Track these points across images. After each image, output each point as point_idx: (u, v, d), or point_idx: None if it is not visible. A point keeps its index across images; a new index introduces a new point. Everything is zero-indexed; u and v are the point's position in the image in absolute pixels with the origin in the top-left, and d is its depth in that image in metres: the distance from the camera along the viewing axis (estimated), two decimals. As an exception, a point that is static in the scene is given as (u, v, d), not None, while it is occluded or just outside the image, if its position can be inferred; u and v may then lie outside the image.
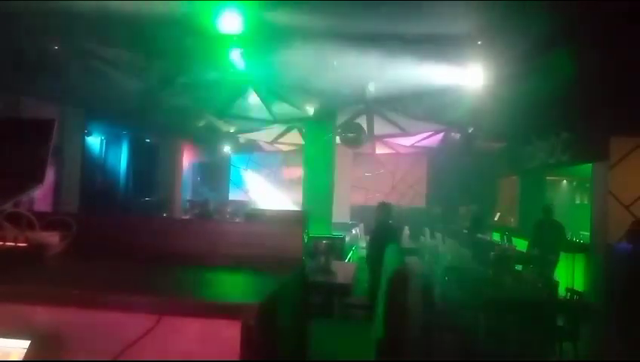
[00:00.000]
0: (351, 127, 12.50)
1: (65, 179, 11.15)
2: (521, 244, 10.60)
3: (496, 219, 15.28)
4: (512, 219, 14.78)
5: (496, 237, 13.06)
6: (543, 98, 8.92)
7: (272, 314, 1.59)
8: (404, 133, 14.36)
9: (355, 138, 12.35)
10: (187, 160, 17.85)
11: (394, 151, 17.87)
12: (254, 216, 6.72)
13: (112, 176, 14.42)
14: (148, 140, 15.54)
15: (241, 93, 11.13)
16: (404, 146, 16.89)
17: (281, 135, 15.65)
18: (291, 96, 11.14)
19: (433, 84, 9.64)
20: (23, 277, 1.65)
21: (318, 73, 9.63)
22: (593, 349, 6.48)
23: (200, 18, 7.31)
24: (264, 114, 12.41)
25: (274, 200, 18.49)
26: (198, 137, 16.11)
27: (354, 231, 13.21)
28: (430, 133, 14.84)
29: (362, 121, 12.92)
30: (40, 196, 9.07)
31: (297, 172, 16.36)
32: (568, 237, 11.09)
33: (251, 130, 15.20)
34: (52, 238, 1.98)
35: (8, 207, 1.97)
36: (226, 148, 17.47)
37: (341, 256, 8.58)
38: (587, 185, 13.53)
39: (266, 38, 8.31)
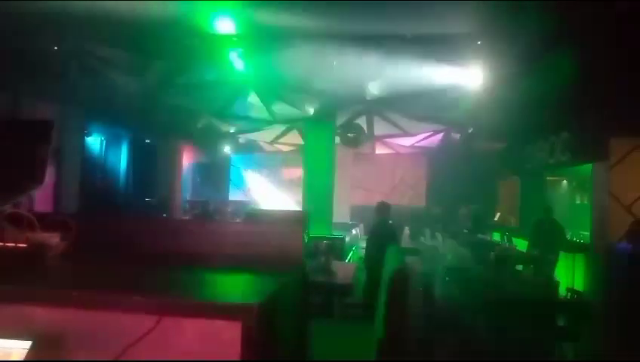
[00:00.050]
0: (351, 127, 12.51)
1: (65, 180, 11.14)
2: (521, 244, 10.60)
3: (496, 219, 15.28)
4: (513, 219, 14.77)
5: (496, 237, 13.06)
6: (543, 98, 8.92)
7: (273, 315, 1.59)
8: (404, 133, 14.36)
9: (355, 138, 12.37)
10: (187, 160, 17.85)
11: (394, 152, 17.86)
12: (254, 216, 6.73)
13: (112, 177, 14.41)
14: (148, 141, 15.54)
15: (241, 93, 11.14)
16: (404, 146, 16.88)
17: (281, 135, 15.64)
18: (291, 96, 11.14)
19: (433, 84, 9.64)
20: (24, 278, 1.65)
21: (318, 73, 9.63)
22: (593, 349, 6.48)
23: (198, 19, 7.32)
24: (264, 114, 12.41)
25: (275, 200, 18.49)
26: (197, 137, 16.11)
27: (354, 232, 13.21)
28: (430, 133, 14.84)
29: (362, 122, 12.92)
30: (40, 197, 9.07)
31: (297, 172, 16.36)
32: (568, 237, 11.10)
33: (251, 131, 15.21)
34: (52, 239, 1.98)
35: (8, 207, 1.98)
36: (226, 149, 17.47)
37: (341, 256, 8.58)
38: (587, 185, 13.53)
39: (265, 39, 8.32)
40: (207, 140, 16.53)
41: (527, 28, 6.90)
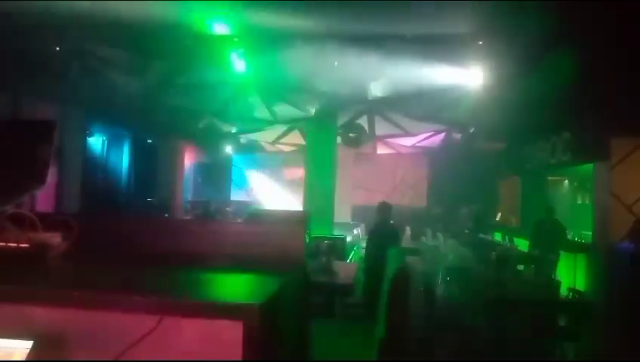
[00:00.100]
0: (352, 127, 12.51)
1: (66, 180, 11.16)
2: (522, 244, 10.59)
3: (497, 219, 15.27)
4: (514, 219, 14.76)
5: (497, 237, 13.05)
6: (543, 98, 8.91)
7: (274, 315, 1.59)
8: (406, 133, 14.36)
9: (357, 138, 12.37)
10: (188, 160, 17.86)
11: (395, 152, 17.86)
12: (256, 216, 6.73)
13: (114, 177, 14.43)
14: (149, 141, 15.56)
15: (242, 93, 11.14)
16: (405, 146, 16.88)
17: (283, 135, 15.65)
18: (292, 96, 11.15)
19: (434, 84, 9.65)
20: (26, 278, 1.65)
21: (319, 73, 9.64)
22: (594, 349, 6.47)
23: (199, 20, 7.32)
24: (265, 114, 12.42)
25: (277, 200, 18.47)
26: (199, 138, 16.13)
27: (355, 232, 13.21)
28: (431, 133, 14.84)
29: (363, 122, 12.92)
30: (42, 197, 9.08)
31: (298, 172, 16.36)
32: (570, 237, 11.09)
33: (252, 131, 15.21)
34: (54, 239, 1.98)
35: (10, 207, 1.98)
36: (227, 149, 17.48)
37: (342, 256, 8.58)
38: (588, 185, 13.52)
39: (266, 39, 8.33)
40: (208, 140, 16.54)
41: (527, 28, 6.90)
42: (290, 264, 2.11)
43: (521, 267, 8.97)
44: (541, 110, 9.76)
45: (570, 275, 9.21)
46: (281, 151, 18.41)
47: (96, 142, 13.64)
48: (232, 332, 1.37)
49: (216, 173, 19.02)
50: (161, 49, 8.67)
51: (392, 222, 7.29)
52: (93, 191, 12.54)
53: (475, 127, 12.68)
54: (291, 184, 18.43)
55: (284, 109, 12.04)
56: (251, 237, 2.24)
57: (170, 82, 10.20)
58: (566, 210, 14.78)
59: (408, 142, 16.05)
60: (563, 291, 6.66)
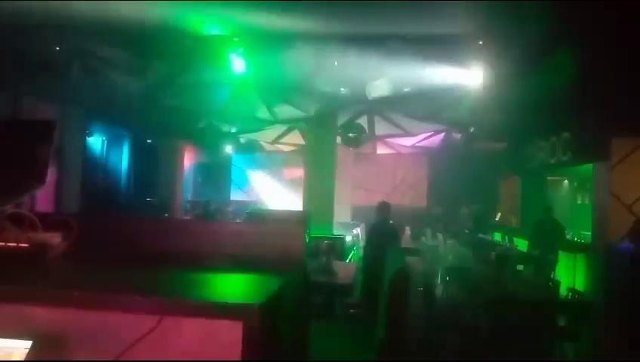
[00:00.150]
0: (352, 127, 12.51)
1: (66, 180, 11.16)
2: (522, 244, 10.60)
3: (497, 219, 15.28)
4: (514, 219, 14.77)
5: (497, 237, 13.05)
6: (543, 98, 8.91)
7: (274, 315, 1.59)
8: (405, 133, 14.37)
9: (356, 138, 12.37)
10: (188, 160, 17.86)
11: (395, 152, 17.86)
12: (255, 216, 6.73)
13: (114, 177, 14.44)
14: (149, 141, 15.56)
15: (242, 93, 11.14)
16: (405, 146, 16.88)
17: (282, 135, 15.65)
18: (292, 96, 11.15)
19: (434, 84, 9.64)
20: (25, 278, 1.65)
21: (319, 73, 9.64)
22: (594, 349, 6.48)
23: (199, 21, 7.32)
24: (265, 114, 12.42)
25: (279, 200, 18.47)
26: (198, 138, 16.13)
27: (355, 231, 13.21)
28: (431, 133, 14.84)
29: (363, 121, 12.92)
30: (41, 197, 9.08)
31: (298, 172, 16.36)
32: (569, 236, 11.09)
33: (252, 131, 15.21)
34: (54, 239, 1.98)
35: (10, 207, 1.98)
36: (227, 149, 17.48)
37: (342, 256, 8.58)
38: (588, 185, 13.52)
39: (267, 39, 8.32)
40: (208, 140, 16.53)
41: (527, 28, 6.90)
42: (289, 264, 2.11)
43: (520, 267, 8.97)
44: (541, 110, 9.77)
45: (570, 275, 9.21)
46: (281, 151, 18.42)
47: (96, 142, 13.64)
48: (231, 332, 1.37)
49: (216, 173, 19.02)
50: (161, 49, 8.66)
51: (391, 221, 7.29)
52: (92, 191, 12.54)
53: (475, 127, 12.69)
54: (291, 184, 18.43)
55: (283, 109, 12.05)
56: (251, 237, 2.24)
57: (169, 82, 10.20)
58: (566, 210, 14.79)
59: (408, 142, 16.05)
60: (562, 291, 6.66)
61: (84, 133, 12.42)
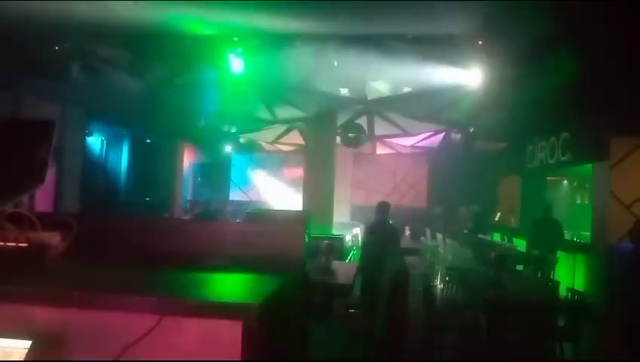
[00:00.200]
0: (352, 127, 12.51)
1: (66, 180, 11.16)
2: (521, 244, 10.60)
3: (497, 219, 15.28)
4: (513, 219, 14.77)
5: (496, 237, 13.05)
6: (543, 98, 8.92)
7: (273, 315, 1.59)
8: (405, 133, 14.37)
9: (356, 138, 12.37)
10: (188, 160, 17.86)
11: (394, 152, 17.87)
12: (255, 216, 6.73)
13: (113, 177, 14.45)
14: (148, 140, 15.56)
15: (242, 93, 11.14)
16: (405, 146, 16.89)
17: (282, 135, 15.65)
18: (292, 96, 11.15)
19: (433, 84, 9.65)
20: (25, 278, 1.65)
21: (319, 73, 9.64)
22: (593, 349, 6.48)
23: (199, 21, 7.32)
24: (265, 114, 12.42)
25: (279, 200, 18.47)
26: (198, 137, 16.13)
27: (355, 231, 13.21)
28: (431, 133, 14.85)
29: (363, 122, 12.92)
30: (41, 196, 9.08)
31: (298, 172, 16.37)
32: (569, 236, 11.09)
33: (252, 130, 15.21)
34: (53, 238, 1.98)
35: (9, 207, 1.98)
36: (227, 149, 17.49)
37: (341, 256, 8.58)
38: (588, 185, 13.53)
39: (267, 39, 8.33)
40: (207, 140, 16.54)
41: (527, 28, 6.91)
42: (289, 264, 2.11)
43: (520, 267, 8.97)
44: (541, 110, 9.77)
45: (570, 275, 9.21)
46: (281, 151, 18.42)
47: (96, 141, 13.65)
48: (231, 332, 1.37)
49: (215, 173, 19.03)
50: (160, 49, 8.67)
51: (391, 221, 7.28)
52: (92, 191, 12.54)
53: (474, 127, 12.69)
54: (291, 184, 18.44)
55: (283, 109, 12.04)
56: (251, 237, 2.24)
57: (169, 82, 10.20)
58: (565, 210, 14.80)
59: (408, 142, 16.06)
60: (562, 291, 6.66)
61: (84, 132, 12.42)
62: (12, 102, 9.42)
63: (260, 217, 6.57)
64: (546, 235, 9.15)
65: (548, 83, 8.15)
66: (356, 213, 16.02)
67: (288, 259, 2.16)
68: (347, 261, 8.75)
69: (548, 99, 8.83)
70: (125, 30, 7.70)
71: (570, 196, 16.77)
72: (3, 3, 6.35)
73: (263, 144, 17.88)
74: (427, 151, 17.42)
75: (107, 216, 3.26)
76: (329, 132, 12.39)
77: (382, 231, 6.84)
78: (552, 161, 11.13)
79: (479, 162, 15.67)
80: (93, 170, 13.37)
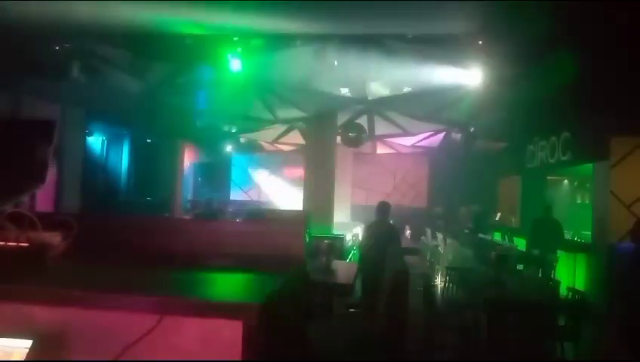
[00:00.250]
0: (352, 127, 12.50)
1: (66, 179, 11.16)
2: (522, 244, 10.60)
3: (497, 218, 15.28)
4: (514, 219, 14.77)
5: (497, 236, 13.05)
6: (543, 98, 8.91)
7: (274, 314, 1.59)
8: (405, 133, 14.36)
9: (356, 138, 12.36)
10: (188, 160, 17.86)
11: (395, 151, 17.87)
12: (256, 216, 6.72)
13: (113, 176, 14.44)
14: (149, 140, 15.55)
15: (242, 93, 11.14)
16: (405, 146, 16.89)
17: (282, 135, 15.65)
18: (292, 96, 11.14)
19: (434, 83, 9.64)
20: (25, 277, 1.65)
21: (319, 73, 9.64)
22: (594, 349, 6.48)
23: (198, 20, 7.32)
24: (265, 114, 12.42)
25: (279, 199, 18.47)
26: (198, 137, 16.13)
27: (355, 231, 13.22)
28: (431, 132, 14.84)
29: (363, 121, 12.92)
30: (41, 196, 9.08)
31: (298, 172, 16.38)
32: (569, 236, 11.09)
33: (252, 130, 15.21)
34: (54, 238, 1.98)
35: (10, 207, 1.98)
36: (227, 148, 17.49)
37: (342, 255, 8.58)
38: (588, 184, 13.53)
39: (267, 39, 8.33)
40: (208, 140, 16.54)
41: (527, 28, 6.90)
42: (290, 263, 2.11)
43: (520, 266, 8.97)
44: (541, 110, 9.77)
45: (570, 275, 9.21)
46: (281, 151, 18.43)
47: (96, 141, 13.64)
48: (231, 332, 1.37)
49: (216, 173, 19.03)
50: (160, 49, 8.66)
51: (391, 221, 7.27)
52: (92, 191, 12.53)
53: (475, 126, 12.69)
54: (291, 183, 18.44)
55: (283, 109, 12.04)
56: (251, 237, 2.24)
57: (169, 82, 10.20)
58: (566, 209, 14.79)
59: (408, 141, 16.06)
60: (563, 291, 6.66)
61: (84, 132, 12.41)
62: (12, 102, 9.42)
63: (261, 217, 6.58)
64: (546, 235, 9.14)
65: (548, 83, 8.14)
66: (356, 213, 16.03)
67: (288, 258, 2.16)
68: (347, 261, 8.74)
69: (548, 98, 8.83)
70: (125, 30, 7.71)
71: (571, 196, 16.77)
72: (3, 3, 6.36)
73: (264, 144, 17.88)
74: (427, 151, 17.42)
75: (107, 215, 3.26)
76: (329, 132, 12.39)
77: (381, 231, 6.83)
78: (552, 161, 11.13)
79: (479, 162, 15.67)
80: (94, 169, 13.37)
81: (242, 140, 17.23)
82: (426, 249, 12.11)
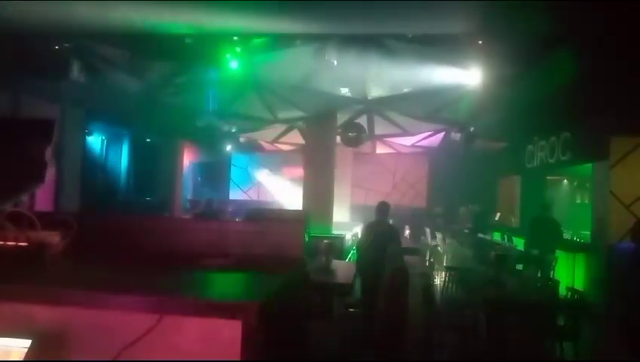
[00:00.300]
0: (351, 126, 12.50)
1: (65, 179, 11.15)
2: (521, 244, 10.60)
3: (496, 218, 15.29)
4: (513, 219, 14.77)
5: (496, 236, 13.05)
6: (543, 97, 8.92)
7: (273, 314, 1.59)
8: (405, 132, 14.37)
9: (356, 138, 12.36)
10: (187, 159, 17.86)
11: (394, 151, 17.88)
12: (255, 216, 6.72)
13: (113, 176, 14.42)
14: (148, 140, 15.54)
15: (242, 92, 11.14)
16: (405, 146, 16.89)
17: (282, 135, 15.65)
18: (292, 95, 11.14)
19: (433, 83, 9.64)
20: (24, 277, 1.65)
21: (319, 73, 9.63)
22: (593, 349, 6.48)
23: (198, 20, 7.31)
24: (265, 113, 12.42)
25: (279, 199, 18.46)
26: (198, 137, 16.12)
27: (355, 231, 13.22)
28: (431, 132, 14.84)
29: (363, 121, 12.92)
30: (40, 196, 9.07)
31: (298, 171, 16.38)
32: (569, 236, 11.10)
33: (252, 130, 15.21)
34: (53, 238, 1.98)
35: (9, 206, 1.98)
36: (227, 148, 17.49)
37: (341, 255, 8.58)
38: (588, 184, 13.53)
39: (266, 38, 8.32)
40: (207, 139, 16.52)
41: (527, 28, 6.90)
42: (289, 263, 2.12)
43: (519, 266, 8.97)
44: (541, 110, 9.77)
45: (569, 275, 9.21)
46: (281, 151, 18.42)
47: (96, 141, 13.63)
48: (230, 331, 1.37)
49: (215, 172, 19.02)
50: (160, 49, 8.66)
51: (390, 221, 7.26)
52: (92, 191, 12.52)
53: (474, 126, 12.70)
54: (290, 183, 18.45)
55: (283, 109, 12.04)
56: (251, 237, 2.24)
57: (169, 81, 10.20)
58: (565, 209, 14.80)
59: (408, 141, 16.06)
60: (562, 291, 6.66)
61: (84, 132, 12.40)
62: (12, 102, 9.42)
63: (260, 217, 6.58)
64: (544, 234, 9.14)
65: (548, 82, 8.15)
66: (356, 213, 16.03)
67: (288, 258, 2.16)
68: (347, 260, 8.74)
69: (548, 98, 8.84)
70: (125, 29, 7.70)
71: (570, 195, 16.77)
72: (3, 3, 6.35)
73: (263, 143, 17.88)
74: (427, 151, 17.42)
75: (107, 215, 3.26)
76: (329, 131, 12.39)
77: (381, 231, 6.83)
78: (552, 161, 11.14)
79: (479, 162, 15.68)
80: (93, 169, 13.34)
81: (242, 140, 17.22)
82: (426, 249, 12.10)
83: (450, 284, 7.74)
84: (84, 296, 1.45)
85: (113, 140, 14.27)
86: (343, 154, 14.70)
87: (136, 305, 1.42)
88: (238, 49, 8.55)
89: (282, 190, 18.79)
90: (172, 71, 9.78)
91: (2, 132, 2.17)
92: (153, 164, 15.74)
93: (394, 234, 6.94)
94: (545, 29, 6.79)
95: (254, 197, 19.23)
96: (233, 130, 15.21)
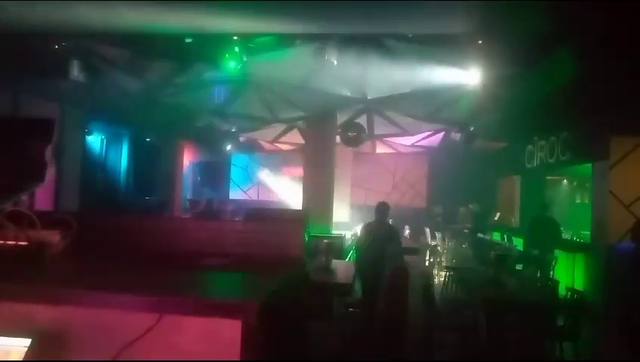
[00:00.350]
0: (351, 126, 12.50)
1: (65, 178, 11.15)
2: (521, 244, 10.61)
3: (496, 218, 15.30)
4: (513, 219, 14.78)
5: (496, 236, 13.06)
6: (543, 97, 8.92)
7: (273, 313, 1.59)
8: (405, 132, 14.36)
9: (356, 137, 12.36)
10: (187, 159, 17.86)
11: (394, 151, 17.88)
12: (255, 215, 6.73)
13: (113, 175, 14.42)
14: (148, 139, 15.54)
15: (242, 92, 11.14)
16: (405, 146, 16.90)
17: (282, 134, 15.65)
18: (292, 95, 11.14)
19: (433, 83, 9.64)
20: (24, 276, 1.65)
21: (319, 73, 9.63)
22: (593, 349, 6.48)
23: (198, 20, 7.32)
24: (264, 113, 12.42)
25: (278, 199, 18.46)
26: (198, 136, 16.12)
27: (355, 230, 13.22)
28: (430, 132, 14.84)
29: (363, 121, 12.92)
30: (40, 195, 9.07)
31: (297, 171, 16.38)
32: (568, 236, 11.10)
33: (252, 129, 15.21)
34: (53, 237, 1.98)
35: (9, 205, 1.98)
36: (227, 148, 17.49)
37: (341, 255, 8.58)
38: (587, 184, 13.53)
39: (266, 38, 8.32)
40: (207, 139, 16.53)
41: (527, 28, 6.90)
42: (289, 263, 2.12)
43: (519, 266, 8.98)
44: (540, 110, 9.77)
45: (569, 274, 9.22)
46: (281, 150, 18.43)
47: (96, 140, 13.63)
48: (230, 331, 1.37)
49: (215, 172, 19.02)
50: (160, 48, 8.66)
51: (390, 221, 7.26)
52: (92, 190, 12.52)
53: (474, 126, 12.70)
54: (290, 183, 18.45)
55: (283, 108, 12.04)
56: (251, 237, 2.24)
57: (169, 81, 10.20)
58: (565, 209, 14.81)
59: (407, 141, 16.06)
60: (562, 291, 6.67)
61: (84, 131, 12.41)
62: (12, 101, 9.42)
63: (260, 217, 6.58)
64: (543, 234, 9.15)
65: (547, 82, 8.15)
66: (356, 213, 16.03)
67: (288, 258, 2.16)
68: (347, 260, 8.75)
69: (548, 98, 8.84)
70: (125, 29, 7.70)
71: (570, 195, 16.77)
72: (3, 3, 6.35)
73: (263, 143, 17.88)
74: (427, 151, 17.43)
75: (107, 214, 3.26)
76: (329, 131, 12.39)
77: (381, 231, 6.83)
78: (551, 161, 11.14)
79: (479, 162, 15.68)
80: (93, 168, 13.34)
81: (241, 139, 17.23)
82: (426, 248, 12.11)
83: (450, 284, 7.75)
84: (84, 296, 1.45)
85: (113, 140, 14.27)
86: (342, 154, 14.70)
87: (136, 304, 1.42)
88: (237, 49, 8.54)
89: (282, 190, 18.79)
90: (172, 71, 9.77)
91: (2, 132, 2.18)
92: (153, 164, 15.74)
93: (394, 234, 6.94)
94: (545, 29, 6.79)
95: (254, 197, 19.23)
96: (233, 130, 15.22)
